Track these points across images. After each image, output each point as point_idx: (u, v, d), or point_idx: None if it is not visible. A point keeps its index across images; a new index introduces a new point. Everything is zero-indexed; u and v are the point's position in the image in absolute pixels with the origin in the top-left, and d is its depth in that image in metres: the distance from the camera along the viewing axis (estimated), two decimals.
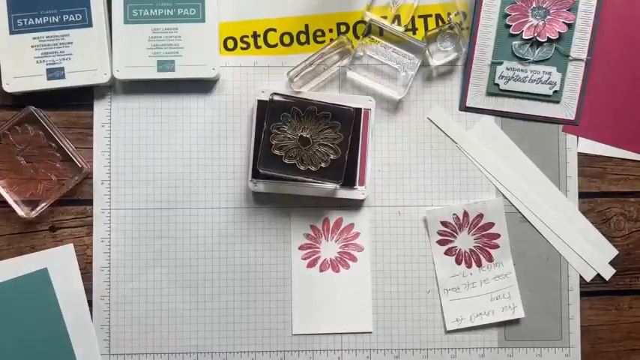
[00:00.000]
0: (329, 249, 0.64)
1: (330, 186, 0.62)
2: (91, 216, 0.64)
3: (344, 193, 0.63)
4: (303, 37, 0.65)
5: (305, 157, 0.61)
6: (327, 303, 0.64)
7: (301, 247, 0.64)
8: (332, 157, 0.60)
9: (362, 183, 0.63)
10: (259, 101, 0.62)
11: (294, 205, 0.64)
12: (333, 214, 0.64)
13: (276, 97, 0.61)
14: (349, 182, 0.62)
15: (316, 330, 0.64)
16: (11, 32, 0.62)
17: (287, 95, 0.61)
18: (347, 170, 0.61)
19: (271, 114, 0.60)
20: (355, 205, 0.64)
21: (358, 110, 0.62)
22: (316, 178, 0.60)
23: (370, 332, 0.64)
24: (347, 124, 0.61)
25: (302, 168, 0.61)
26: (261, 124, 0.61)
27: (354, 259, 0.64)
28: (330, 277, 0.64)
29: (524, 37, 0.63)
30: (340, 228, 0.64)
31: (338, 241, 0.64)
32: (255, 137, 0.62)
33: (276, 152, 0.60)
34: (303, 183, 0.62)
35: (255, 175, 0.62)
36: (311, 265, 0.64)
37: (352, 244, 0.64)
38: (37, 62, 0.62)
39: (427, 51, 0.63)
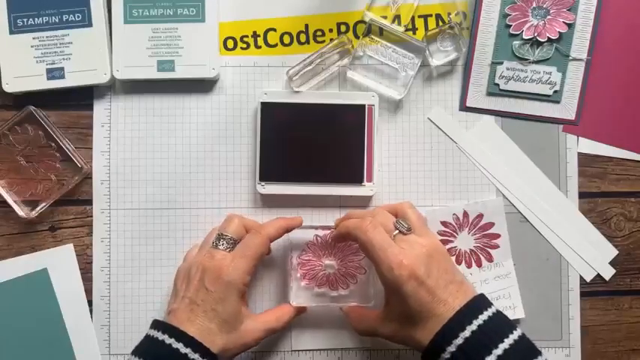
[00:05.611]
0: None
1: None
2: (91, 216, 0.64)
3: (353, 191, 0.63)
4: (303, 37, 0.65)
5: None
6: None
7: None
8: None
9: (370, 179, 0.63)
10: (262, 103, 0.62)
11: (300, 205, 0.64)
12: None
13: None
14: (357, 179, 0.62)
15: (316, 330, 0.64)
16: (11, 32, 0.62)
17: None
18: (354, 167, 0.62)
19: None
20: (362, 203, 0.64)
21: (362, 107, 0.62)
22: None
23: None
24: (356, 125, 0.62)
25: None
26: (266, 127, 0.62)
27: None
28: None
29: (525, 37, 0.63)
30: None
31: None
32: (261, 142, 0.62)
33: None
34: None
35: (262, 177, 0.62)
36: None
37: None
38: (37, 62, 0.62)
39: (427, 51, 0.63)
